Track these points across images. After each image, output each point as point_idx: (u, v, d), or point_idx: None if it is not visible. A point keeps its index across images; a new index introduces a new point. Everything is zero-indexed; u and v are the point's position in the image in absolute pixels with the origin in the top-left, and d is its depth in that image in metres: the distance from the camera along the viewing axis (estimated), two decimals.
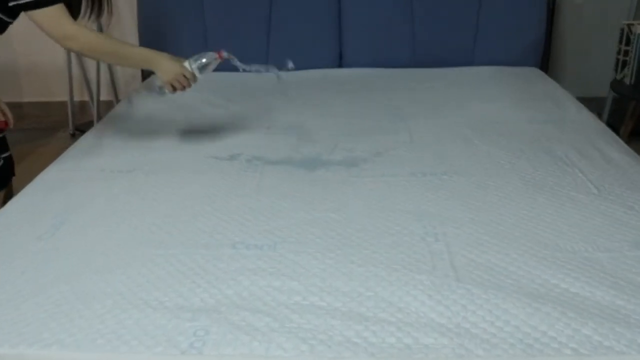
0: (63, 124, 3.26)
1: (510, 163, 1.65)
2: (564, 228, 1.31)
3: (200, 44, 2.71)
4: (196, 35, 2.71)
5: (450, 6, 2.67)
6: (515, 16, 2.68)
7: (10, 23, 1.60)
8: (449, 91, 2.35)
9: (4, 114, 1.68)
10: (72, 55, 3.13)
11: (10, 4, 1.51)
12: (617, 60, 2.68)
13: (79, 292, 1.12)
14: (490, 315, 1.03)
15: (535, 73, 2.61)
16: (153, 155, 1.78)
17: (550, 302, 1.06)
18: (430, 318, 1.02)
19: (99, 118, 3.01)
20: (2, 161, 1.73)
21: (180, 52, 2.70)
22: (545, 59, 2.82)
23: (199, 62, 1.70)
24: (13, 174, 1.80)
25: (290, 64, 1.75)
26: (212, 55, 1.72)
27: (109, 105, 3.01)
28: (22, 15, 1.55)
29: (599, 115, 2.47)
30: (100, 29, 3.04)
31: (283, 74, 1.80)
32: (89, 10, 1.71)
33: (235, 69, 2.64)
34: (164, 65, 1.65)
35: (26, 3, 1.49)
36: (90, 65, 3.16)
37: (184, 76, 1.66)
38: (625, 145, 1.79)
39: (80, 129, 3.08)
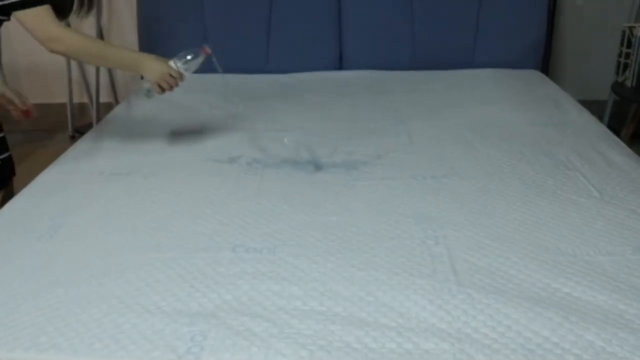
0: (62, 125, 3.26)
1: (511, 166, 1.64)
2: (566, 232, 1.30)
3: (200, 44, 2.69)
4: (196, 36, 2.70)
5: (450, 7, 2.66)
6: (515, 17, 2.68)
7: (6, 19, 1.59)
8: (449, 93, 2.34)
9: (22, 102, 1.66)
10: None
11: None
12: (618, 62, 2.67)
13: (76, 295, 1.11)
14: (491, 320, 1.02)
15: (535, 75, 2.60)
16: (152, 157, 1.77)
17: (552, 306, 1.05)
18: (431, 323, 1.01)
19: (99, 120, 3.00)
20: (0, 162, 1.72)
21: (180, 49, 2.70)
22: (546, 61, 2.82)
23: (184, 59, 1.69)
24: (13, 174, 1.79)
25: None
26: (197, 51, 1.71)
27: (109, 107, 3.00)
28: None
29: (600, 118, 2.45)
30: (100, 30, 3.05)
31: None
32: (79, 8, 1.69)
33: (234, 70, 2.66)
34: (150, 65, 1.65)
35: (12, 3, 1.48)
36: (90, 67, 3.15)
37: (171, 75, 1.65)
38: (627, 148, 1.78)
39: (80, 131, 3.07)
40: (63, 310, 1.07)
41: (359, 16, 2.69)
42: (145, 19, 2.77)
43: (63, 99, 3.23)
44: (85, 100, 3.27)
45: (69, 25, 2.97)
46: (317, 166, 1.68)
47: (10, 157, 1.76)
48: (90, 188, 1.58)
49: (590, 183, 1.53)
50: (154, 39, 2.75)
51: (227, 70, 2.65)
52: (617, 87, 2.68)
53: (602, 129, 1.97)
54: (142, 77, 1.77)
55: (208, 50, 1.73)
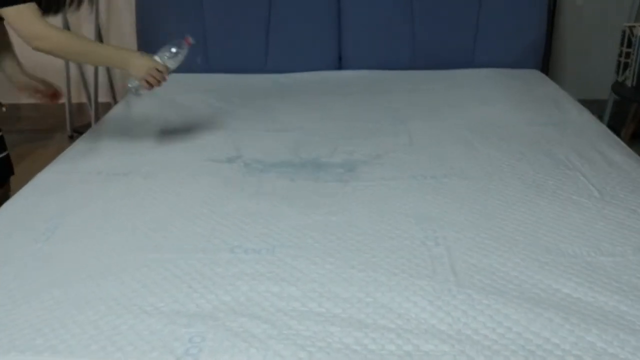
0: (61, 125, 3.25)
1: (510, 166, 1.64)
2: (566, 232, 1.29)
3: (200, 44, 2.69)
4: (195, 36, 2.64)
5: (450, 7, 2.65)
6: (515, 17, 2.67)
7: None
8: (449, 93, 2.33)
9: (47, 87, 1.64)
10: None
11: None
12: (619, 62, 2.66)
13: (73, 297, 1.11)
14: (491, 322, 1.01)
15: (535, 75, 2.60)
16: (150, 157, 1.76)
17: (553, 307, 1.04)
18: (431, 324, 1.00)
19: (97, 120, 2.99)
20: None
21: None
22: (546, 61, 2.81)
23: (169, 52, 1.68)
24: (12, 173, 1.79)
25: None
26: (180, 43, 1.71)
27: (107, 107, 2.99)
28: None
29: (600, 118, 2.45)
30: (98, 30, 3.04)
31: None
32: (68, 4, 1.68)
33: (234, 70, 2.65)
34: (135, 62, 1.64)
35: None
36: (89, 67, 3.14)
37: (157, 70, 1.64)
38: (628, 148, 1.77)
39: (79, 131, 3.06)
40: (60, 311, 1.07)
41: (358, 16, 2.69)
42: (144, 19, 2.76)
43: (61, 99, 3.22)
44: (84, 100, 3.27)
45: (67, 26, 2.98)
46: (317, 166, 1.67)
47: (8, 156, 1.75)
48: (88, 188, 1.57)
49: (591, 183, 1.52)
50: (153, 39, 2.73)
51: (227, 70, 2.66)
52: (617, 87, 2.68)
53: (602, 128, 1.96)
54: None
55: (191, 40, 1.72)
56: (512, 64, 2.63)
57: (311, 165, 1.68)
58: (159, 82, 1.66)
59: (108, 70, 3.18)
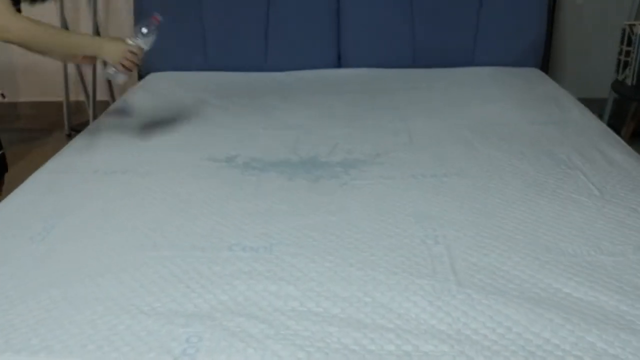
0: (59, 124, 3.24)
1: (511, 165, 1.63)
2: (566, 231, 1.28)
3: (199, 44, 2.69)
4: (195, 36, 2.69)
5: (450, 5, 2.64)
6: (515, 16, 2.66)
7: None
8: (448, 92, 2.32)
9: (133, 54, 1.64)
10: None
11: None
12: (619, 60, 2.66)
13: (70, 296, 1.10)
14: (491, 322, 1.00)
15: (535, 74, 2.59)
16: (148, 156, 1.75)
17: (553, 307, 1.03)
18: (430, 324, 1.00)
19: (95, 118, 2.99)
20: None
21: (180, 52, 2.70)
22: (546, 59, 2.80)
23: (141, 33, 1.68)
24: (6, 170, 1.77)
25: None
26: (149, 22, 1.70)
27: (105, 106, 2.98)
28: None
29: (600, 117, 2.44)
30: (96, 28, 3.03)
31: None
32: None
33: (233, 68, 2.64)
34: (108, 47, 1.63)
35: None
36: (87, 66, 3.13)
37: (131, 52, 1.63)
38: (628, 147, 1.76)
39: (77, 130, 3.06)
40: (56, 311, 1.06)
41: (358, 14, 2.68)
42: (142, 16, 2.74)
43: (60, 97, 3.21)
44: (82, 98, 3.25)
45: (66, 25, 2.97)
46: (316, 165, 1.66)
47: (3, 155, 1.74)
48: (85, 187, 1.56)
49: (591, 182, 1.51)
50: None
51: (226, 68, 2.65)
52: (617, 85, 2.67)
53: (603, 127, 1.96)
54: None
55: (158, 17, 1.71)
56: (512, 63, 2.62)
57: (310, 164, 1.68)
58: (135, 65, 1.65)
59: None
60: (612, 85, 2.71)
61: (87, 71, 3.15)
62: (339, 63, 2.72)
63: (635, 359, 0.91)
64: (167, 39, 2.66)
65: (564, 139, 1.81)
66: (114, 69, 1.66)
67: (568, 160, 1.65)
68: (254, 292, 1.09)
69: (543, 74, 2.61)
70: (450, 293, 1.07)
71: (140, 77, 2.78)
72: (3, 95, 1.66)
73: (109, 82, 3.21)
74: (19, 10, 1.57)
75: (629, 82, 2.59)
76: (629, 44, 2.58)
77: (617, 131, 2.23)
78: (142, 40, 1.67)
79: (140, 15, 2.72)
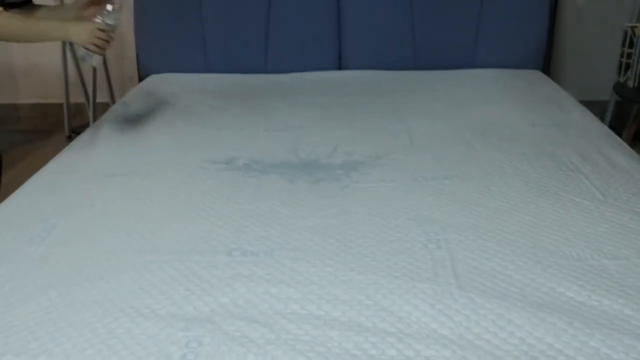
0: (59, 126, 3.23)
1: (513, 167, 1.62)
2: (569, 235, 1.27)
3: (199, 46, 2.68)
4: (195, 37, 2.68)
5: (451, 7, 2.63)
6: (516, 18, 2.65)
7: None
8: (449, 94, 2.31)
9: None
10: (69, 56, 3.10)
11: None
12: (620, 62, 2.65)
13: (69, 299, 1.09)
14: (494, 326, 0.99)
15: (537, 76, 2.58)
16: (148, 158, 1.75)
17: (556, 311, 1.02)
18: (432, 329, 0.99)
19: (95, 120, 2.98)
20: None
21: (179, 52, 2.69)
22: (547, 62, 2.79)
23: (107, 11, 1.67)
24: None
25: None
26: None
27: (106, 108, 2.97)
28: None
29: (601, 119, 2.43)
30: None
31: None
32: None
33: (233, 70, 2.64)
34: (74, 29, 1.62)
35: None
36: (87, 68, 3.12)
37: (100, 30, 1.62)
38: (630, 149, 1.75)
39: (77, 132, 3.05)
40: (55, 314, 1.05)
41: (358, 16, 2.67)
42: (142, 19, 2.74)
43: (60, 99, 3.21)
44: (82, 100, 3.25)
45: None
46: (316, 167, 1.65)
47: (0, 156, 1.74)
48: (84, 189, 1.56)
49: (593, 185, 1.51)
50: (152, 39, 2.72)
51: (226, 70, 2.65)
52: (618, 88, 2.66)
53: (605, 129, 1.94)
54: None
55: None
56: (514, 65, 2.61)
57: (311, 166, 1.67)
58: (106, 42, 1.64)
59: (106, 71, 3.16)
60: (613, 87, 2.71)
61: (88, 73, 3.15)
62: (339, 65, 2.71)
63: None
64: (167, 41, 2.71)
65: (565, 141, 1.80)
66: (86, 50, 1.65)
67: (570, 163, 1.64)
68: (255, 295, 1.09)
69: (544, 76, 2.60)
70: (452, 297, 1.06)
71: (140, 79, 2.77)
72: None
73: (110, 84, 3.21)
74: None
75: (630, 84, 2.58)
76: (631, 46, 2.57)
77: (619, 134, 2.22)
78: (109, 17, 1.66)
79: (141, 15, 2.72)
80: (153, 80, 2.61)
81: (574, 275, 1.12)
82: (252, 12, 2.66)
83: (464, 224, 1.32)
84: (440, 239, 1.26)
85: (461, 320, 1.00)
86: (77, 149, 1.85)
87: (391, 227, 1.32)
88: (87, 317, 1.04)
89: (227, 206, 1.43)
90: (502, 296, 1.06)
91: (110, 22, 1.66)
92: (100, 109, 3.06)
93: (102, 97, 3.20)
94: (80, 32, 1.61)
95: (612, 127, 2.48)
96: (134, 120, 2.10)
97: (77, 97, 3.25)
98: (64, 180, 1.61)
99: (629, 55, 2.58)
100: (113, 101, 3.17)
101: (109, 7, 1.67)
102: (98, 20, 1.65)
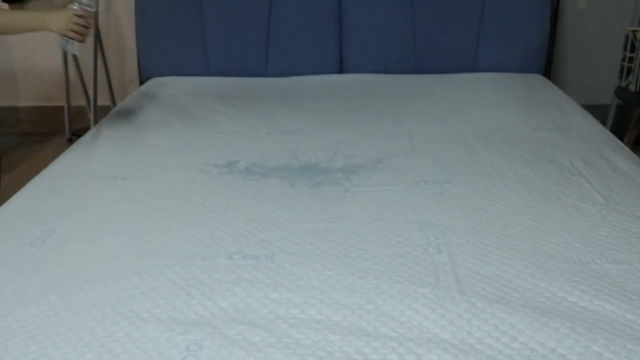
0: (60, 129, 3.23)
1: (514, 172, 1.62)
2: (571, 239, 1.27)
3: (200, 49, 2.68)
4: (195, 39, 2.68)
5: (452, 11, 2.64)
6: (518, 22, 2.66)
7: None
8: (451, 98, 2.31)
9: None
10: (69, 59, 3.10)
11: None
12: (622, 67, 2.65)
13: (69, 302, 1.09)
14: (495, 331, 0.99)
15: (538, 80, 2.58)
16: (148, 161, 1.74)
17: (558, 316, 1.02)
18: (434, 333, 0.98)
19: (96, 123, 2.98)
20: None
21: (179, 53, 2.69)
22: (548, 66, 2.79)
23: None
24: None
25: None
26: None
27: (107, 111, 2.97)
28: None
29: (603, 123, 2.43)
30: (97, 32, 3.02)
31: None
32: None
33: (234, 73, 2.64)
34: (51, 18, 1.62)
35: None
36: (88, 69, 3.13)
37: (77, 16, 1.62)
38: (632, 153, 1.75)
39: (77, 134, 3.04)
40: (55, 317, 1.05)
41: (359, 19, 2.67)
42: (142, 19, 2.74)
43: (60, 102, 3.21)
44: (83, 103, 3.25)
45: None
46: (317, 171, 1.65)
47: None
48: (85, 192, 1.55)
49: (595, 189, 1.50)
50: (152, 39, 2.72)
51: (227, 73, 2.65)
52: (620, 92, 2.66)
53: (606, 133, 1.94)
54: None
55: None
56: (515, 69, 2.61)
57: (312, 169, 1.66)
58: (85, 28, 1.64)
59: (107, 74, 3.17)
60: (615, 91, 2.70)
61: (89, 76, 3.15)
62: (340, 67, 2.71)
63: None
64: (168, 44, 2.70)
65: (566, 145, 1.80)
66: (65, 38, 1.64)
67: (571, 167, 1.64)
68: (255, 299, 1.08)
69: (546, 79, 2.60)
70: (453, 301, 1.06)
71: (142, 82, 2.77)
72: None
73: (110, 87, 3.20)
74: None
75: (632, 88, 2.58)
76: (632, 50, 2.57)
77: (620, 138, 2.21)
78: (87, 3, 1.66)
79: (142, 18, 2.72)
80: (154, 83, 2.61)
81: (576, 279, 1.12)
82: (253, 15, 2.66)
83: (465, 228, 1.32)
84: (441, 243, 1.26)
85: (463, 325, 1.00)
86: (78, 152, 1.85)
87: (392, 231, 1.31)
88: (87, 320, 1.03)
89: (227, 209, 1.43)
90: (504, 301, 1.06)
91: (87, 7, 1.65)
92: (101, 112, 3.07)
93: (102, 99, 3.20)
94: (59, 20, 1.61)
95: (613, 131, 2.47)
96: (134, 123, 2.10)
97: (77, 100, 3.25)
98: (65, 183, 1.61)
99: (631, 59, 2.58)
100: (114, 104, 3.17)
101: None
102: (75, 6, 1.64)
